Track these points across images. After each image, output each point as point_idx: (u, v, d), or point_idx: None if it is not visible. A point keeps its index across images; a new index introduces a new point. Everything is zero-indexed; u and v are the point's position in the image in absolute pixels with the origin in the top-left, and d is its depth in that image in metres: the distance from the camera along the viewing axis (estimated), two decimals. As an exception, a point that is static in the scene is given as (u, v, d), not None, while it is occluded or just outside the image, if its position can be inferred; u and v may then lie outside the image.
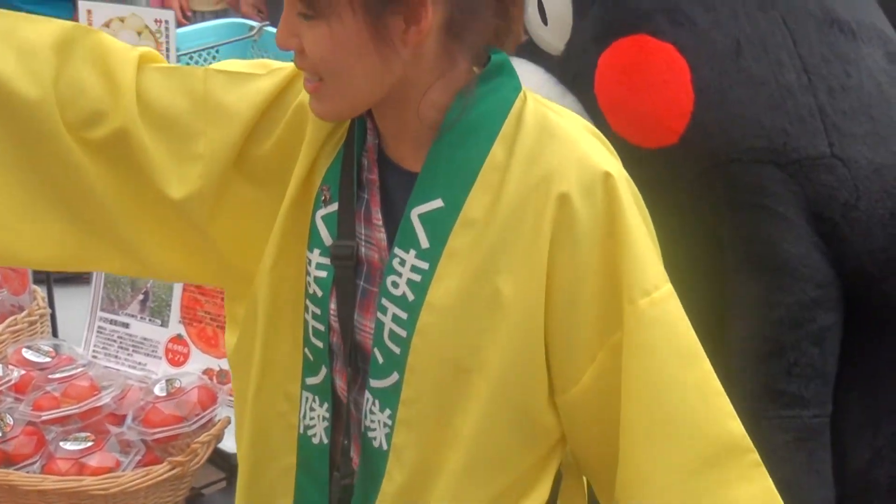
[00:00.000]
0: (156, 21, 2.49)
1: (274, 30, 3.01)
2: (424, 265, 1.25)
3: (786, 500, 1.77)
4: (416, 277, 1.25)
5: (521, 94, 1.27)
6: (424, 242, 1.25)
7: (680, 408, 1.23)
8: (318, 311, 1.34)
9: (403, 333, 1.26)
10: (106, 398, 2.10)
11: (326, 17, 1.21)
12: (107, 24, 2.52)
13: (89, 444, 2.02)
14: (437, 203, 1.25)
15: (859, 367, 1.82)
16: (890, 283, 1.79)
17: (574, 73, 1.85)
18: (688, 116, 1.75)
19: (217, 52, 3.00)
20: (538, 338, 1.25)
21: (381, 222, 1.30)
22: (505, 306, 1.23)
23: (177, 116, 1.35)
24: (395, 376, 1.27)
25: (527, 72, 1.90)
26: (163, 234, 1.39)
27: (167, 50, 2.49)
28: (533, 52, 1.91)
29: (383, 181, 1.30)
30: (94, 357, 2.32)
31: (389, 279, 1.27)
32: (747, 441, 1.27)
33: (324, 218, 1.32)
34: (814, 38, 1.80)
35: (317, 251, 1.33)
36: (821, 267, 1.77)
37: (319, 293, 1.33)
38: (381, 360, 1.28)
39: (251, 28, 3.03)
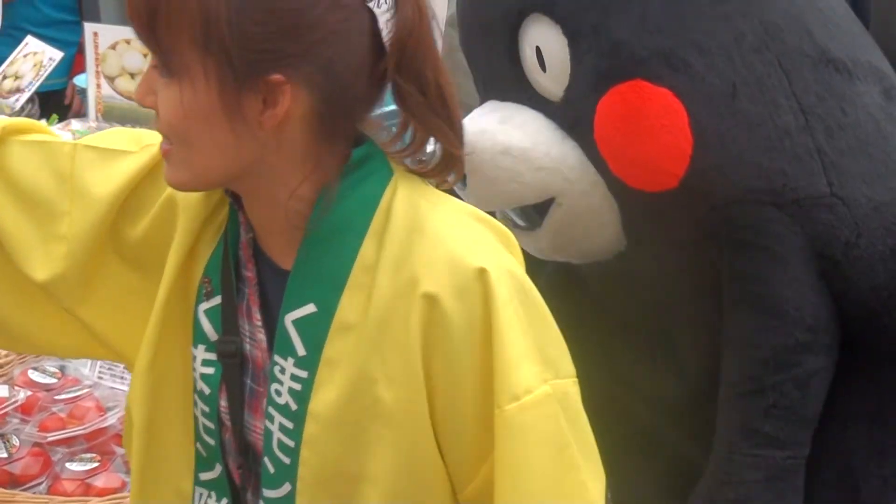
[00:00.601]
0: None
1: None
2: (303, 373, 1.20)
3: None
4: (297, 386, 1.21)
5: (392, 183, 1.22)
6: (301, 350, 1.21)
7: None
8: (206, 409, 1.29)
9: (292, 444, 1.22)
10: (112, 419, 2.09)
11: (179, 79, 1.15)
12: (113, 47, 2.53)
13: (95, 464, 2.02)
14: (310, 308, 1.20)
15: (865, 401, 1.83)
16: (893, 317, 1.80)
17: (573, 119, 1.87)
18: (687, 160, 1.77)
19: None
20: (429, 443, 1.20)
21: (260, 322, 1.26)
22: (387, 414, 1.19)
23: (41, 194, 1.30)
24: (287, 487, 1.23)
25: (527, 118, 1.92)
26: (39, 314, 1.33)
27: None
28: (532, 98, 1.93)
29: (260, 278, 1.26)
30: (100, 378, 2.31)
31: (273, 387, 1.23)
32: None
33: (206, 312, 1.27)
34: (809, 77, 1.81)
35: (202, 347, 1.28)
36: (814, 310, 1.78)
37: (207, 391, 1.28)
38: (272, 469, 1.24)
39: None
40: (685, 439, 1.98)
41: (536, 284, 1.28)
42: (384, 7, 1.19)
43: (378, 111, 1.26)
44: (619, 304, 2.06)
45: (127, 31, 2.52)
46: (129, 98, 2.53)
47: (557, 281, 2.15)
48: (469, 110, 2.03)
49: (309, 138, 1.18)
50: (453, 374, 1.18)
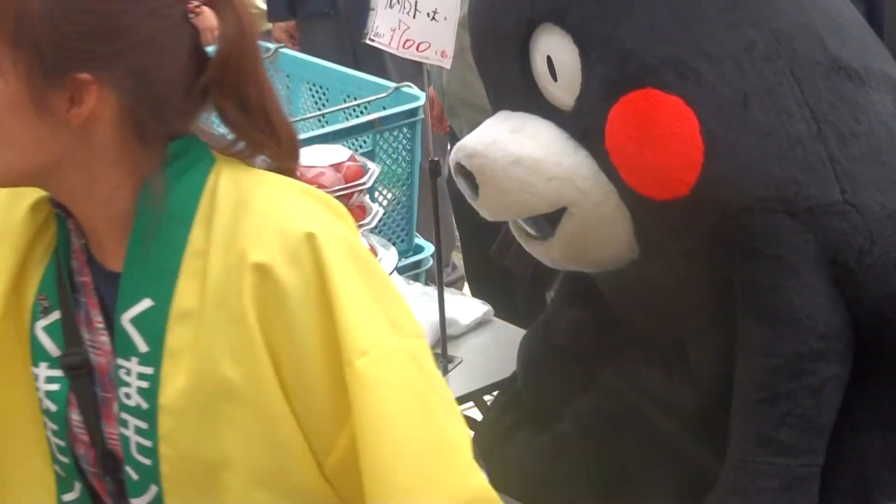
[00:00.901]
0: None
1: (291, 53, 3.06)
2: (149, 370, 1.20)
3: None
4: (145, 384, 1.20)
5: (215, 168, 1.22)
6: (143, 346, 1.20)
7: (413, 471, 1.18)
8: (55, 427, 1.28)
9: (149, 444, 1.21)
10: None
11: None
12: None
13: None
14: (147, 303, 1.20)
15: (879, 408, 1.82)
16: None
17: (585, 128, 1.87)
18: (698, 168, 1.76)
19: None
20: (284, 416, 1.19)
21: (102, 325, 1.25)
22: (237, 393, 1.18)
23: None
24: (153, 490, 1.22)
25: (539, 128, 1.92)
26: None
27: None
28: (543, 107, 1.93)
29: (96, 282, 1.26)
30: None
31: (122, 391, 1.22)
32: (491, 493, 1.22)
33: (46, 329, 1.26)
34: (821, 86, 1.81)
35: (43, 364, 1.27)
36: (827, 318, 1.77)
37: (53, 408, 1.27)
38: (135, 476, 1.23)
39: (267, 50, 3.03)
40: (701, 448, 1.97)
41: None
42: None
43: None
44: (632, 313, 2.05)
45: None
46: None
47: (574, 289, 2.15)
48: (485, 113, 2.04)
49: (121, 140, 1.19)
50: (295, 342, 1.17)
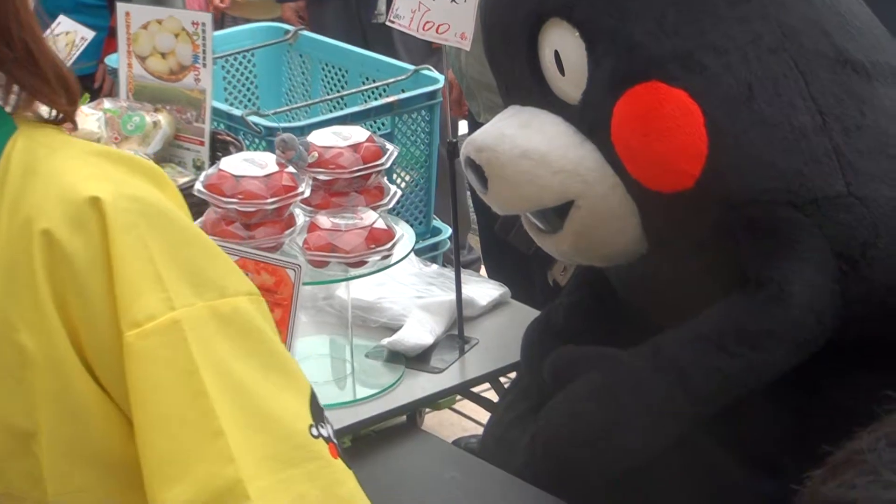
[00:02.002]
0: (193, 24, 2.47)
1: (311, 35, 3.08)
2: None
3: (612, 441, 1.84)
4: None
5: (14, 136, 1.17)
6: None
7: (167, 447, 1.13)
8: None
9: None
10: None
11: None
12: (145, 27, 2.54)
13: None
14: None
15: (873, 403, 1.82)
16: None
17: (591, 121, 1.88)
18: (702, 160, 1.77)
19: (253, 55, 3.02)
20: (84, 381, 1.15)
21: None
22: (34, 363, 1.14)
23: None
24: None
25: (546, 122, 1.93)
26: None
27: (203, 52, 2.48)
28: (552, 102, 1.94)
29: None
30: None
31: None
32: (242, 485, 1.13)
33: None
34: (826, 79, 1.81)
35: None
36: (815, 316, 1.78)
37: None
38: None
39: (287, 32, 3.05)
40: (711, 441, 1.98)
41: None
42: None
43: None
44: (644, 307, 2.06)
45: (159, 12, 2.56)
46: (159, 78, 2.55)
47: (586, 279, 2.17)
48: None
49: None
50: (87, 310, 1.14)
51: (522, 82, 1.99)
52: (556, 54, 1.91)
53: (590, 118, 1.88)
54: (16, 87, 1.18)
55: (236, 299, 1.16)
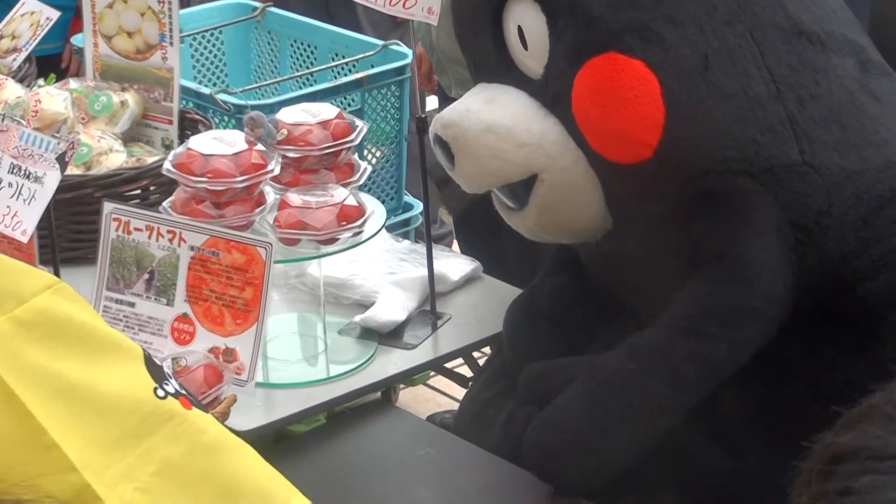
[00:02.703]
0: (159, 2, 2.46)
1: (279, 11, 3.08)
2: None
3: (603, 446, 1.86)
4: None
5: None
6: None
7: (20, 472, 1.08)
8: None
9: None
10: (110, 376, 2.11)
11: None
12: (110, 6, 2.51)
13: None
14: None
15: (835, 372, 1.85)
16: (864, 286, 1.83)
17: (553, 95, 1.91)
18: (660, 130, 1.80)
19: (220, 32, 2.99)
20: None
21: None
22: None
23: None
24: None
25: (511, 97, 1.97)
26: None
27: (170, 31, 2.47)
28: (516, 77, 1.97)
29: None
30: (99, 334, 2.31)
31: None
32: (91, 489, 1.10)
33: None
34: (781, 49, 1.84)
35: None
36: (774, 282, 1.81)
37: None
38: None
39: (254, 9, 3.02)
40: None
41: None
42: None
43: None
44: (611, 286, 2.10)
45: (125, -11, 2.54)
46: (126, 57, 2.56)
47: (565, 258, 2.20)
48: None
49: None
50: None
51: (489, 59, 2.02)
52: (520, 30, 1.94)
53: (552, 92, 1.91)
54: None
55: (35, 300, 1.13)
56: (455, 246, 3.31)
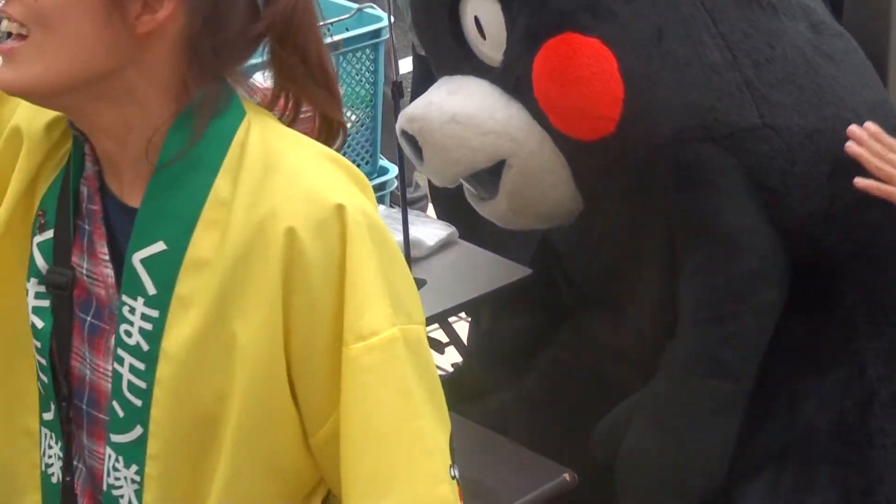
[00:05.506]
0: None
1: None
2: (154, 313, 1.17)
3: (688, 462, 1.83)
4: (148, 326, 1.18)
5: (246, 120, 1.19)
6: (151, 289, 1.17)
7: (380, 464, 1.17)
8: (38, 345, 1.25)
9: (143, 385, 1.19)
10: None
11: None
12: None
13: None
14: (160, 246, 1.17)
15: (807, 324, 1.87)
16: (829, 240, 1.86)
17: (514, 80, 1.94)
18: (620, 104, 1.83)
19: None
20: (282, 382, 1.18)
21: (107, 257, 1.21)
22: (242, 350, 1.16)
23: None
24: (138, 430, 1.20)
25: (473, 87, 1.99)
26: None
27: None
28: (477, 67, 2.00)
29: (106, 213, 1.22)
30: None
31: (122, 328, 1.19)
32: None
33: (39, 245, 1.24)
34: (733, 16, 1.87)
35: (34, 280, 1.25)
36: (764, 240, 1.83)
37: (40, 324, 1.25)
38: (121, 413, 1.21)
39: None
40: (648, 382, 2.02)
41: None
42: None
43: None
44: (583, 267, 2.11)
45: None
46: None
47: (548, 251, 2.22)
48: None
49: (174, 65, 1.16)
50: (310, 312, 1.16)
51: (449, 53, 2.05)
52: (476, 20, 1.97)
53: (512, 77, 1.94)
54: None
55: (419, 328, 1.20)
56: (431, 210, 3.27)
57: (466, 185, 2.10)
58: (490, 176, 2.01)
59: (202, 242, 1.16)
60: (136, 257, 1.18)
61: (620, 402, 1.98)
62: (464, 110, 1.96)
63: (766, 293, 1.84)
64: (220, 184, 1.16)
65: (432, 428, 1.19)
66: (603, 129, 1.85)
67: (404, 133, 2.02)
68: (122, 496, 1.23)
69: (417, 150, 2.02)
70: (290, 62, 1.21)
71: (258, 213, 1.15)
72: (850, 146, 1.80)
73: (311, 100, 1.23)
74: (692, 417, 1.87)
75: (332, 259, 1.15)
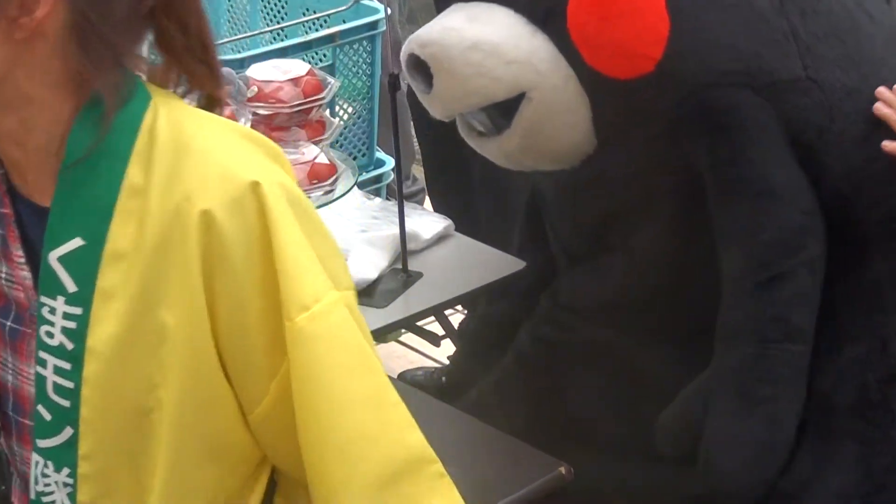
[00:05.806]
0: None
1: None
2: (77, 310, 1.16)
3: (778, 433, 1.78)
4: (72, 325, 1.16)
5: (152, 105, 1.17)
6: (71, 286, 1.16)
7: (352, 426, 1.18)
8: None
9: (70, 385, 1.17)
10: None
11: None
12: None
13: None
14: (77, 242, 1.15)
15: (828, 293, 1.81)
16: (862, 202, 1.80)
17: (545, 10, 1.85)
18: (664, 42, 1.76)
19: None
20: (214, 365, 1.18)
21: (23, 259, 1.20)
22: (171, 338, 1.16)
23: None
24: (68, 431, 1.19)
25: (495, 14, 1.89)
26: None
27: None
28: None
29: (19, 215, 1.20)
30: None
31: (43, 329, 1.18)
32: (429, 452, 1.20)
33: None
34: None
35: None
36: (805, 194, 1.78)
37: None
38: (48, 416, 1.19)
39: None
40: (634, 346, 1.97)
41: None
42: None
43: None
44: (575, 214, 2.04)
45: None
46: None
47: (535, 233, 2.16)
48: None
49: (64, 59, 1.13)
50: (235, 293, 1.16)
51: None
52: (505, -55, 1.88)
53: (544, 7, 1.85)
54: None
55: (352, 293, 1.20)
56: (427, 203, 3.27)
57: (466, 121, 2.01)
58: (501, 111, 1.92)
59: (120, 233, 1.15)
60: (53, 256, 1.16)
61: (680, 392, 1.89)
62: (488, 38, 1.87)
63: (814, 247, 1.77)
64: (133, 172, 1.15)
65: (387, 380, 1.20)
66: (641, 68, 1.77)
67: (414, 58, 1.92)
68: (52, 502, 1.22)
69: (426, 77, 1.92)
70: (171, 33, 1.17)
71: (173, 198, 1.15)
72: (879, 107, 1.76)
73: (189, 74, 1.20)
74: (776, 386, 1.78)
75: (253, 237, 1.15)
